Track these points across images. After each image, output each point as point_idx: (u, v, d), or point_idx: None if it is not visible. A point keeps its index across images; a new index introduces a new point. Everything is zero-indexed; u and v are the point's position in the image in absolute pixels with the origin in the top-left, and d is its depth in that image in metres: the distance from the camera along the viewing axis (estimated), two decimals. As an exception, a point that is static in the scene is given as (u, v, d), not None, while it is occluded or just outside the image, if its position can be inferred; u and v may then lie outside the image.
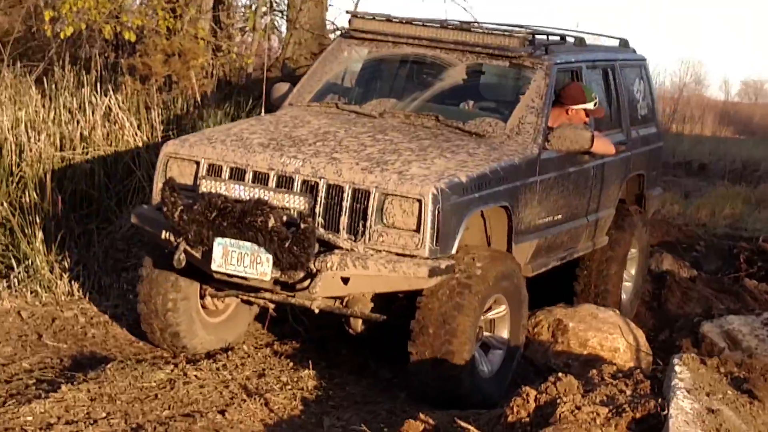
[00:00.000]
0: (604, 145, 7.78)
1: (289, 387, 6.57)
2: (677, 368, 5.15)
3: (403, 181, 6.05)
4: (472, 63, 7.76)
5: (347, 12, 8.51)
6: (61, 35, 10.67)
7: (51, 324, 7.31)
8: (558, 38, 8.34)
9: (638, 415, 4.89)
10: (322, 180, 6.15)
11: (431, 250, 5.95)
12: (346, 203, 6.09)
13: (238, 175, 6.38)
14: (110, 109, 9.79)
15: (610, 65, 8.78)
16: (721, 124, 41.06)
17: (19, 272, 7.71)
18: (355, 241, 6.07)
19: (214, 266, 6.18)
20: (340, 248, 6.05)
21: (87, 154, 9.33)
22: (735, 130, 40.89)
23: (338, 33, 8.65)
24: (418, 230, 5.94)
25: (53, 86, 10.36)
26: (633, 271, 9.11)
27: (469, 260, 6.29)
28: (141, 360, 6.75)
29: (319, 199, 6.17)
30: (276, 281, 6.14)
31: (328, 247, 6.05)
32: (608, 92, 8.67)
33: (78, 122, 9.62)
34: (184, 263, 6.27)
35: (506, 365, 6.78)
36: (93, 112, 9.73)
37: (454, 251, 6.21)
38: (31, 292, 7.61)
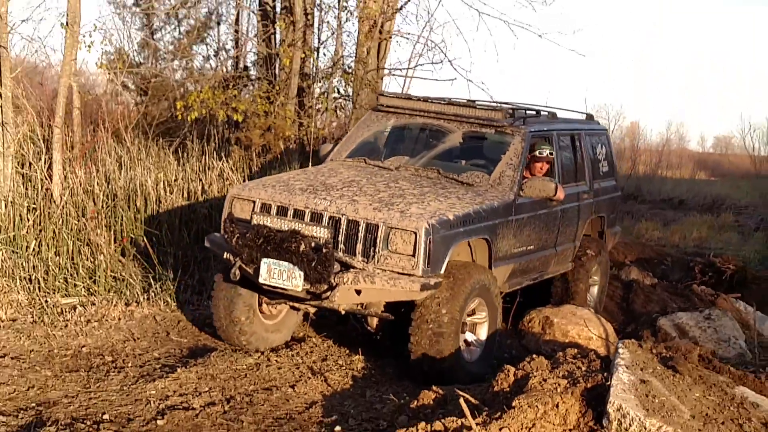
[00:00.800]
0: (562, 193, 7.59)
1: (344, 368, 6.61)
2: (620, 350, 5.14)
3: (403, 218, 6.03)
4: (467, 130, 7.64)
5: (374, 92, 8.49)
6: (189, 119, 10.77)
7: (176, 324, 7.41)
8: (534, 112, 8.14)
9: (589, 385, 4.88)
10: (344, 216, 6.15)
11: (423, 270, 5.93)
12: (361, 234, 6.10)
13: (282, 211, 6.37)
14: (223, 170, 9.90)
15: (577, 133, 8.55)
16: (698, 169, 40.55)
17: (155, 288, 7.78)
18: (367, 262, 6.06)
19: (261, 279, 6.20)
20: (355, 267, 6.04)
21: (206, 202, 9.42)
22: (709, 173, 40.23)
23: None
24: (414, 255, 5.93)
25: (185, 155, 10.49)
26: (597, 278, 8.90)
27: (436, 307, 6.16)
28: (237, 350, 6.80)
29: (341, 230, 6.16)
30: (307, 291, 6.13)
31: (346, 267, 6.06)
32: (575, 153, 8.46)
33: (200, 180, 9.75)
34: (239, 277, 6.32)
35: (487, 352, 6.72)
36: (211, 173, 9.87)
37: (442, 271, 6.14)
38: (164, 302, 7.67)
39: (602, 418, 4.57)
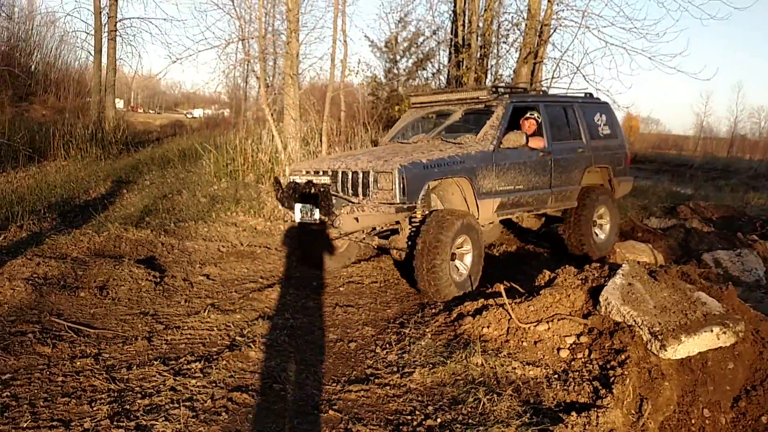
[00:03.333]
0: (535, 142, 6.81)
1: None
2: (623, 265, 5.07)
3: (385, 164, 5.56)
4: (466, 109, 6.96)
5: (409, 95, 7.73)
6: (396, 114, 11.26)
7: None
8: (522, 90, 7.34)
9: (594, 285, 4.95)
10: (349, 170, 5.73)
11: (401, 198, 5.46)
12: (360, 180, 5.66)
13: (315, 173, 5.99)
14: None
15: (569, 105, 7.49)
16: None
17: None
18: (365, 198, 5.63)
19: (296, 218, 5.90)
20: (353, 203, 5.66)
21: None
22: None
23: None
24: (392, 189, 5.48)
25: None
26: (607, 225, 7.71)
27: (439, 218, 5.67)
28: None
29: (348, 180, 5.73)
30: (322, 222, 5.81)
31: (351, 202, 5.68)
32: (567, 119, 7.41)
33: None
34: (289, 220, 6.08)
35: (472, 273, 6.00)
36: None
37: (419, 200, 5.64)
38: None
39: (596, 304, 4.81)
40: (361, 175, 5.69)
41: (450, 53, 12.72)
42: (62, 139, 13.15)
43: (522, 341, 4.60)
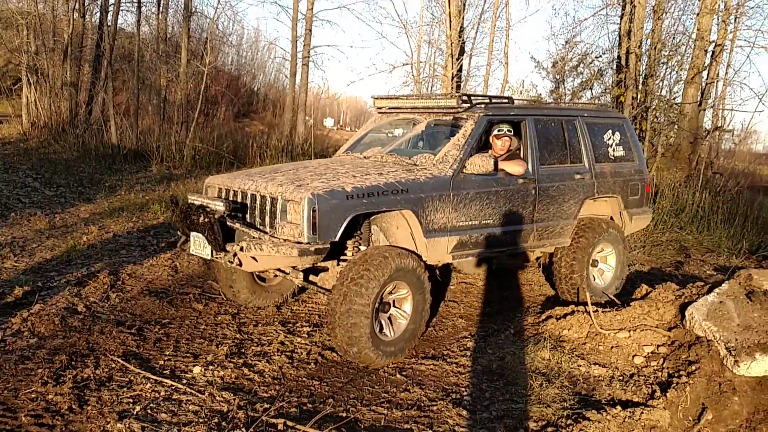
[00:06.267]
0: (511, 167, 5.35)
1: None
2: (724, 284, 5.07)
3: (295, 190, 4.27)
4: (432, 120, 5.60)
5: (372, 97, 6.33)
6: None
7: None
8: (506, 100, 5.95)
9: (686, 300, 5.05)
10: (258, 193, 4.49)
11: (309, 237, 4.16)
12: (267, 207, 4.43)
13: (227, 194, 4.79)
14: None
15: (570, 119, 5.94)
16: None
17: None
18: (272, 230, 4.41)
19: (191, 250, 4.70)
20: (253, 237, 4.39)
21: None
22: None
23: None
24: (300, 224, 4.21)
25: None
26: (612, 264, 6.25)
27: (364, 261, 4.35)
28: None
29: (257, 204, 4.53)
30: (224, 259, 4.47)
31: (251, 237, 4.41)
32: (565, 137, 5.86)
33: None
34: (186, 249, 4.86)
35: (409, 329, 4.66)
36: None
37: (336, 239, 4.27)
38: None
39: (684, 318, 4.91)
40: (269, 202, 4.48)
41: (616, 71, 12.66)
42: (259, 149, 15.22)
43: (599, 345, 4.86)
